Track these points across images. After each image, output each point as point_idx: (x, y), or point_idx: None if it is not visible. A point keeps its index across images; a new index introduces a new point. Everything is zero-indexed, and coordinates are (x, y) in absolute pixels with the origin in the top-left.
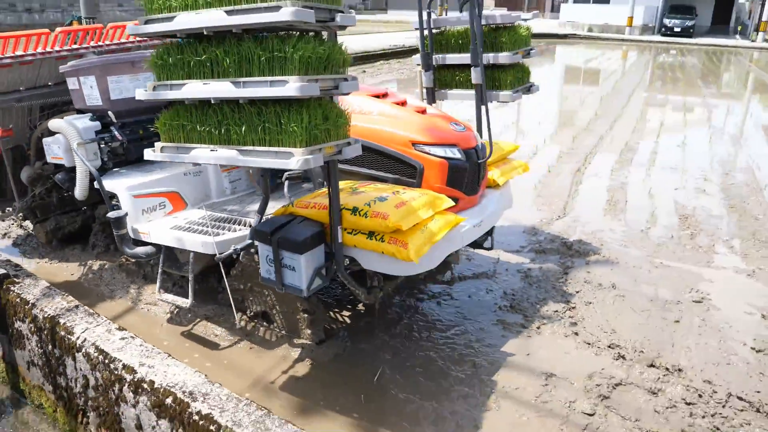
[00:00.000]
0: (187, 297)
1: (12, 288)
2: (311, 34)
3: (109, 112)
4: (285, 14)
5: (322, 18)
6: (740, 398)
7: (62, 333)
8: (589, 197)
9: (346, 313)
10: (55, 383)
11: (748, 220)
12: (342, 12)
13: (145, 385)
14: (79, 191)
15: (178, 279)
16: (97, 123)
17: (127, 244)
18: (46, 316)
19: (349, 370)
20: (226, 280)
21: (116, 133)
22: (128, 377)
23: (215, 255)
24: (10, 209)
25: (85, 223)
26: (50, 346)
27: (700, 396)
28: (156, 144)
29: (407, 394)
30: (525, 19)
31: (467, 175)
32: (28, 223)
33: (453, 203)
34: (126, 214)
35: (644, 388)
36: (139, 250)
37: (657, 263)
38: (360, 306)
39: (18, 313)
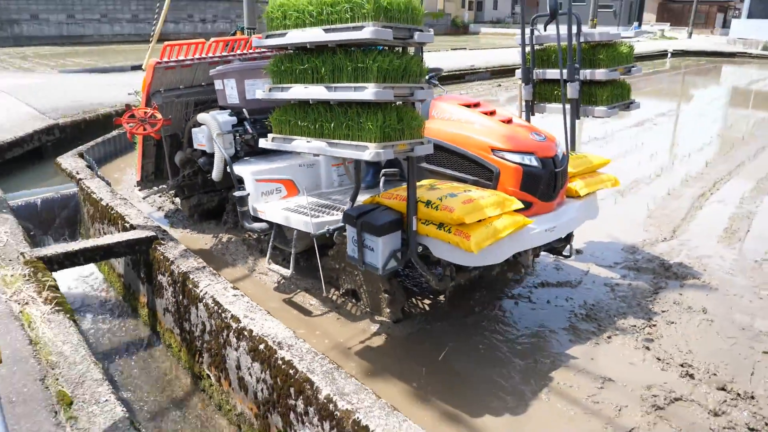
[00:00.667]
0: (288, 268)
1: (158, 248)
2: (397, 49)
3: (244, 110)
4: (366, 32)
5: (402, 36)
6: None
7: (190, 286)
8: (706, 223)
9: (426, 301)
10: (182, 327)
11: None
12: (420, 30)
13: (246, 333)
14: (216, 173)
15: (288, 255)
16: (234, 118)
17: (247, 219)
18: (180, 271)
19: (417, 346)
20: (318, 257)
21: (248, 127)
22: (234, 325)
23: (312, 234)
24: (164, 186)
25: (220, 203)
26: (181, 297)
27: (767, 425)
28: (269, 135)
29: (466, 373)
30: (627, 38)
31: (542, 182)
32: (177, 200)
33: (522, 205)
34: (248, 195)
35: (706, 408)
36: (256, 225)
37: (763, 295)
38: (441, 297)
39: (160, 268)
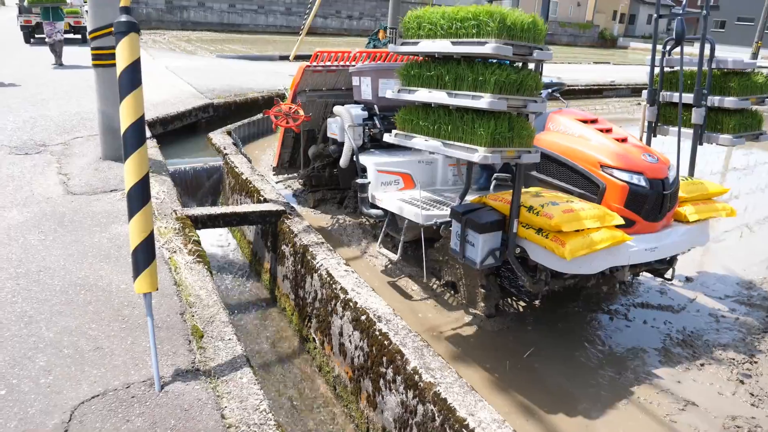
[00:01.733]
0: (396, 254)
1: (285, 221)
2: (517, 64)
3: (375, 106)
4: (488, 48)
5: (522, 52)
6: None
7: (308, 258)
8: None
9: (521, 303)
10: (296, 294)
11: None
12: (540, 49)
13: (351, 304)
14: (343, 161)
15: (397, 242)
16: (365, 113)
17: (365, 205)
18: (301, 243)
19: (504, 342)
20: (423, 247)
21: (377, 122)
22: (342, 296)
23: (421, 225)
24: (296, 174)
25: (342, 200)
26: (299, 266)
27: None
28: (392, 131)
29: (547, 374)
30: (763, 67)
31: (648, 202)
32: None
33: (623, 222)
34: (369, 183)
35: None
36: (372, 211)
37: None
38: (536, 302)
39: (285, 239)
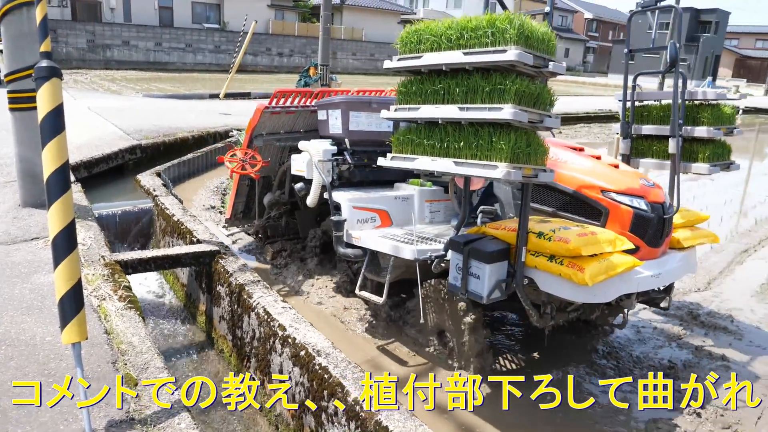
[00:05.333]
0: (381, 296)
1: (220, 261)
2: (532, 77)
3: (346, 140)
4: (510, 55)
5: (538, 63)
6: None
7: (245, 296)
8: (743, 278)
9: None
10: (234, 334)
11: None
12: (554, 61)
13: (290, 340)
14: (311, 199)
15: (375, 284)
16: (335, 148)
17: (341, 244)
18: (237, 283)
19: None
20: (419, 284)
21: (348, 157)
22: (280, 333)
23: (414, 260)
24: (250, 225)
25: (300, 248)
26: (236, 305)
27: None
28: (387, 155)
29: (491, 397)
30: (731, 99)
31: (651, 227)
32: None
33: (633, 246)
34: (345, 220)
35: None
36: (349, 251)
37: None
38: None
39: (220, 279)
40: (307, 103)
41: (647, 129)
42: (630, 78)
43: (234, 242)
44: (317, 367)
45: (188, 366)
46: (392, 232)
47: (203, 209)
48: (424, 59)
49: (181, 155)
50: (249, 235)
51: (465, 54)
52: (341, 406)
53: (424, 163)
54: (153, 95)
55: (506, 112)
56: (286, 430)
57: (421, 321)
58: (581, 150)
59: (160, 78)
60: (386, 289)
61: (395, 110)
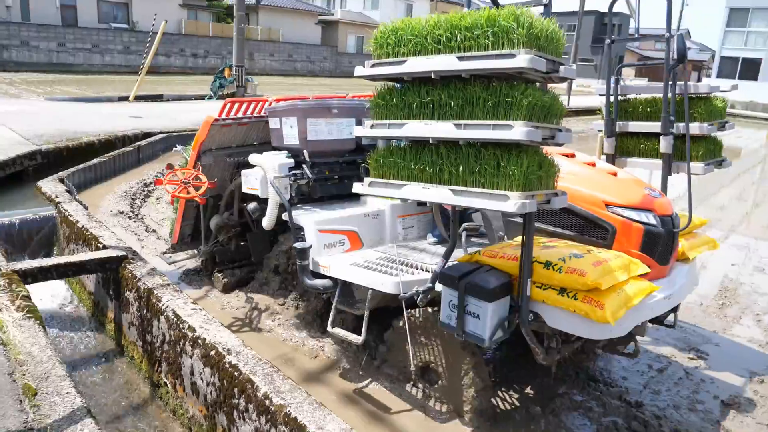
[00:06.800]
0: (359, 334)
1: (127, 266)
2: (537, 84)
3: (304, 152)
4: (521, 61)
5: (548, 69)
6: None
7: (153, 301)
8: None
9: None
10: (144, 339)
11: None
12: (563, 64)
13: (200, 341)
14: (268, 221)
15: (348, 317)
16: (292, 161)
17: (307, 275)
18: (145, 287)
19: (347, 356)
20: (406, 320)
21: (307, 171)
22: (190, 335)
23: (398, 294)
24: (196, 251)
25: (253, 275)
26: (145, 310)
27: None
28: (365, 179)
29: (394, 384)
30: (723, 91)
31: (661, 243)
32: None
33: (648, 270)
34: (310, 247)
35: None
36: (318, 282)
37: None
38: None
39: (128, 285)
40: (262, 113)
41: (634, 126)
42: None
43: (179, 268)
44: (228, 366)
45: (99, 376)
46: (365, 256)
47: (111, 215)
48: (409, 65)
49: (87, 160)
50: (196, 260)
51: (460, 59)
52: (252, 402)
53: (413, 191)
54: (57, 98)
55: (518, 131)
56: (199, 431)
57: (411, 360)
58: (572, 156)
59: (64, 80)
60: (365, 325)
61: (371, 126)
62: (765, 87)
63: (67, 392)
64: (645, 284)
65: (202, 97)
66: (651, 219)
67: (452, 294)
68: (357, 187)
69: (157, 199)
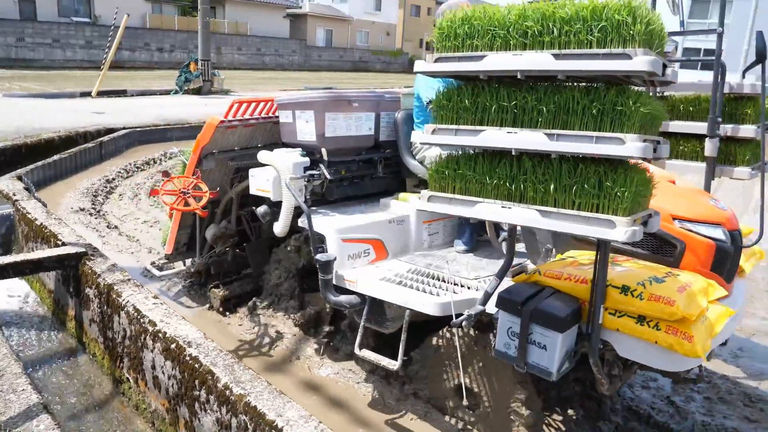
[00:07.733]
0: (396, 359)
1: (87, 263)
2: (641, 89)
3: (322, 149)
4: (639, 64)
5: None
6: None
7: (114, 296)
8: None
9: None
10: (105, 336)
11: None
12: (670, 66)
13: (161, 335)
14: (281, 227)
15: (374, 335)
16: (307, 159)
17: (331, 290)
18: (105, 283)
19: (308, 345)
20: (458, 346)
21: (324, 171)
22: (151, 329)
23: (443, 317)
24: (190, 263)
25: (253, 290)
26: (105, 306)
27: None
28: (423, 192)
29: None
30: None
31: (730, 261)
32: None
33: (726, 293)
34: (335, 259)
35: None
36: (344, 299)
37: None
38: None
39: (88, 281)
40: (270, 114)
41: (674, 126)
42: None
43: (169, 280)
44: (188, 358)
45: (59, 374)
46: (393, 269)
47: (71, 212)
48: (489, 62)
49: (47, 157)
50: (185, 273)
51: (557, 57)
52: (213, 393)
53: (490, 210)
54: (15, 95)
55: (632, 146)
56: (162, 425)
57: (464, 402)
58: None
59: (24, 76)
60: (402, 348)
61: (432, 131)
62: None
63: (23, 389)
64: (723, 309)
65: (167, 92)
66: (721, 234)
67: (512, 321)
68: (416, 203)
69: (120, 195)
